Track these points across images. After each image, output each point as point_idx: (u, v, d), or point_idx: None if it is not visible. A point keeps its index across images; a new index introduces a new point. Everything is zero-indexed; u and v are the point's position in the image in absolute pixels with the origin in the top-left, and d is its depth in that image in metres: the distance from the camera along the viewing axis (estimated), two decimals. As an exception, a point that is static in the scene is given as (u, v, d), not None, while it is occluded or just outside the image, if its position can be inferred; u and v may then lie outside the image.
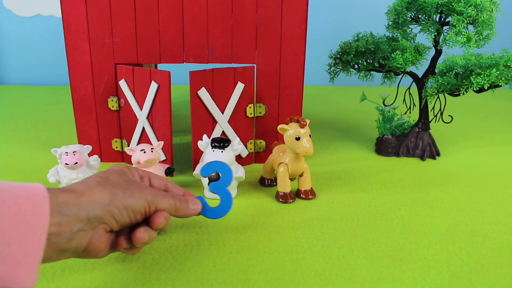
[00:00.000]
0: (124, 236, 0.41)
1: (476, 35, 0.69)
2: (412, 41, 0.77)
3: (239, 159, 0.72)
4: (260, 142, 0.74)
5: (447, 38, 0.70)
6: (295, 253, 0.47)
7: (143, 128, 0.68)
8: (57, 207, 0.34)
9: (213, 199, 0.51)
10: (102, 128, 0.72)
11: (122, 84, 0.68)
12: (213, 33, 0.67)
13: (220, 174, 0.50)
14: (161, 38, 0.67)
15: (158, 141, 0.66)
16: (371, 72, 0.82)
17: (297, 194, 0.62)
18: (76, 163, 0.56)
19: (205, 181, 0.59)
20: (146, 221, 0.42)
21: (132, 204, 0.40)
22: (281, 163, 0.60)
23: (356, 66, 0.82)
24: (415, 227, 0.53)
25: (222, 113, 0.67)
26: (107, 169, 0.43)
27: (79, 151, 0.57)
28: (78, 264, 0.44)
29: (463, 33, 0.68)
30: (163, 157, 0.67)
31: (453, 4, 0.68)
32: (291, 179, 0.63)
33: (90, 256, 0.39)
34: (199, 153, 0.66)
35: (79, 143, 0.70)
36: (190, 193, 0.50)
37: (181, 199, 0.45)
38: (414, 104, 0.82)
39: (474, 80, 0.65)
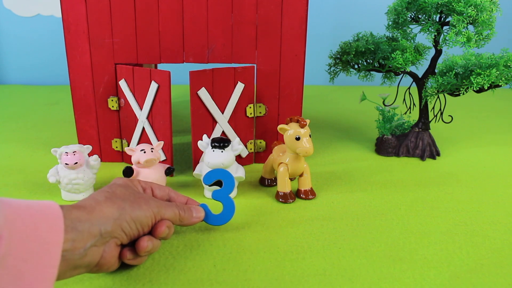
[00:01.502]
0: (127, 247, 0.42)
1: (476, 35, 0.69)
2: (412, 41, 0.77)
3: (239, 159, 0.72)
4: (260, 142, 0.74)
5: (447, 38, 0.70)
6: (295, 253, 0.47)
7: (143, 128, 0.68)
8: (71, 224, 0.34)
9: (213, 199, 0.51)
10: (102, 128, 0.72)
11: (122, 84, 0.68)
12: (213, 33, 0.67)
13: (222, 182, 0.51)
14: (161, 38, 0.67)
15: (158, 141, 0.66)
16: (371, 72, 0.82)
17: (297, 194, 0.62)
18: (76, 163, 0.56)
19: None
20: (150, 232, 0.43)
21: (140, 216, 0.41)
22: (281, 163, 0.60)
23: (356, 66, 0.82)
24: (415, 227, 0.53)
25: (222, 113, 0.67)
26: (110, 183, 0.44)
27: (79, 151, 0.57)
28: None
29: (463, 33, 0.68)
30: (163, 157, 0.67)
31: (453, 4, 0.68)
32: (291, 179, 0.63)
33: (102, 271, 0.39)
34: (199, 153, 0.67)
35: (79, 143, 0.70)
36: (193, 200, 0.51)
37: (185, 208, 0.46)
38: (414, 104, 0.82)
39: (474, 80, 0.65)
